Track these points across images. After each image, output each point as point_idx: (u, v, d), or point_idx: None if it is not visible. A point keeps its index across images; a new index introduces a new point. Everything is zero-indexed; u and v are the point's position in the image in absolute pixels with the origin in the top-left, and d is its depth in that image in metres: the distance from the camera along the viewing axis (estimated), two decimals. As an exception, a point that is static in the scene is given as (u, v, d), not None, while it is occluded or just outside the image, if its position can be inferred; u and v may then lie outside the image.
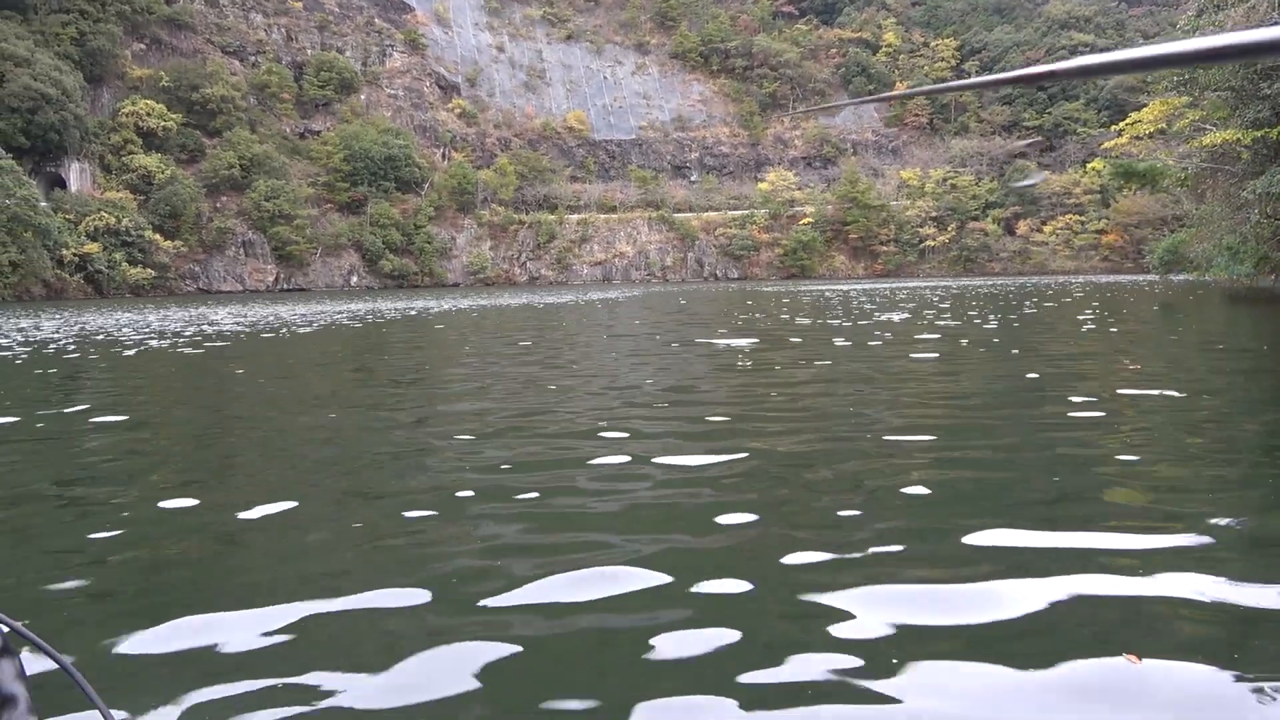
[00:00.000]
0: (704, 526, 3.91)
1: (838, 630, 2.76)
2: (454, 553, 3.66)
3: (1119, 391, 7.71)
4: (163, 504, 4.54)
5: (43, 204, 72.79)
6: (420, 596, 3.15)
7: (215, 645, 2.78)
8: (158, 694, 2.47)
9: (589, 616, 2.96)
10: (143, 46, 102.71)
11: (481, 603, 3.07)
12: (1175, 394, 7.43)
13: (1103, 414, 6.55)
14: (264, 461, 5.74)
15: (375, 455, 5.68)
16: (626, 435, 6.10)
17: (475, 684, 2.49)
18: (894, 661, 2.54)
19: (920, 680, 2.44)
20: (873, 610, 2.90)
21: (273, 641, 2.80)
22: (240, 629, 2.91)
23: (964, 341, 13.60)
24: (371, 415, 7.34)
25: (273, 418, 7.55)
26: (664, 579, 3.24)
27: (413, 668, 2.60)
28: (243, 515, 4.30)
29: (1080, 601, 2.95)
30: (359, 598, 3.17)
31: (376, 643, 2.78)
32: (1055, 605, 2.92)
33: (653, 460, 5.21)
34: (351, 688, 2.50)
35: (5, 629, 1.10)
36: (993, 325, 17.25)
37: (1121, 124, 38.83)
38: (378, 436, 6.35)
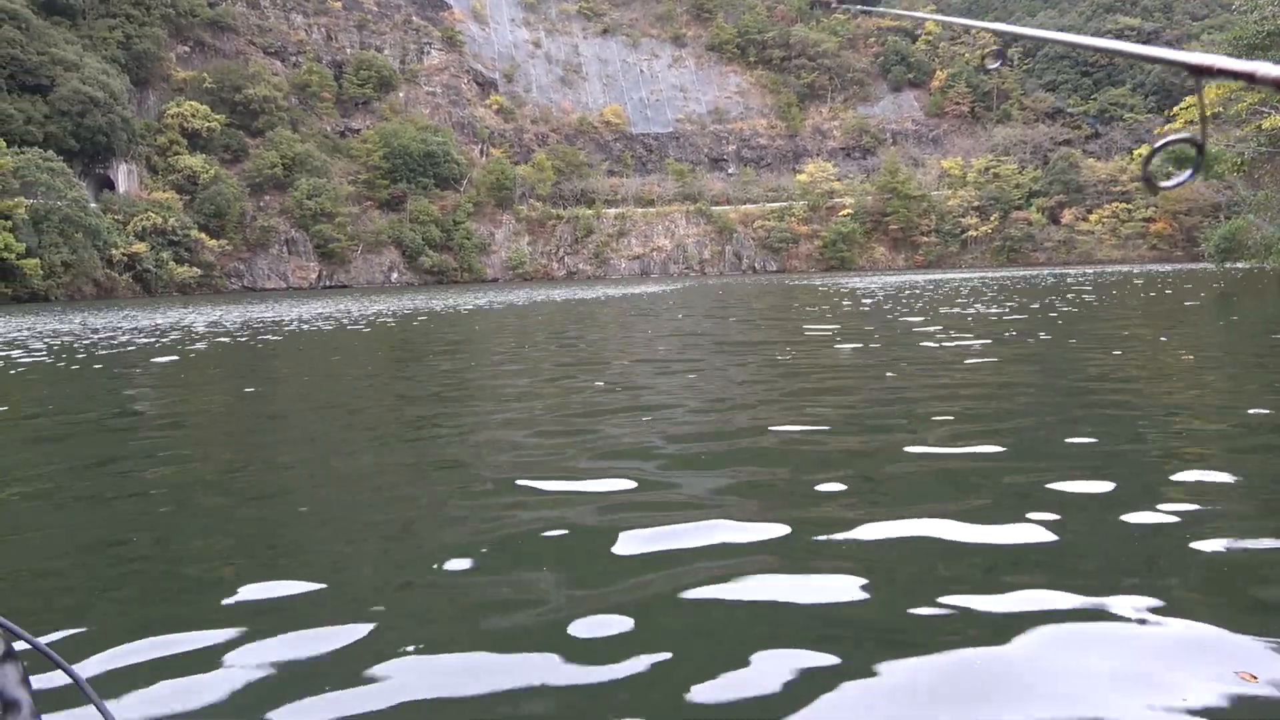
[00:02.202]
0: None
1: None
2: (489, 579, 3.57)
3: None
4: (182, 503, 4.53)
5: (92, 205, 74.56)
6: (432, 602, 3.07)
7: (221, 650, 2.72)
8: (160, 700, 2.42)
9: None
10: (186, 49, 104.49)
11: (519, 635, 2.93)
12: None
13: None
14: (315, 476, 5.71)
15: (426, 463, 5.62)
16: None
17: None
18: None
19: (1032, 683, 2.31)
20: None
21: (276, 645, 2.74)
22: (245, 633, 2.85)
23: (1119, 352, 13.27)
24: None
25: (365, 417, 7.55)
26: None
27: (421, 684, 2.50)
28: (259, 519, 4.26)
29: (1184, 616, 2.79)
30: (361, 600, 3.11)
31: (380, 648, 2.69)
32: (1157, 621, 2.77)
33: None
34: (349, 692, 2.44)
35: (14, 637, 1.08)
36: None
37: (1175, 109, 37.84)
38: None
